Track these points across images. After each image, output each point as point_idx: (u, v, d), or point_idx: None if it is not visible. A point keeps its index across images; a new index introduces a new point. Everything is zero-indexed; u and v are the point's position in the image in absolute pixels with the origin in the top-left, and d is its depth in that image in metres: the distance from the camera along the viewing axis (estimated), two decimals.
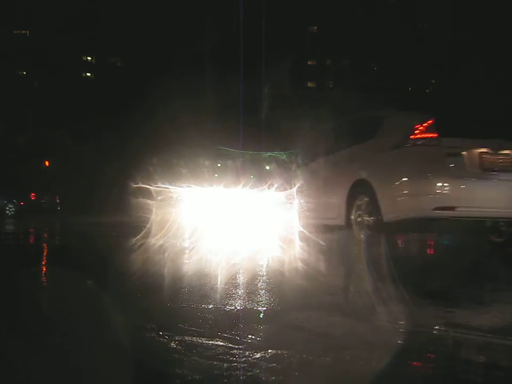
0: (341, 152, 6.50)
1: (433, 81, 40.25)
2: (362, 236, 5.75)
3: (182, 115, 18.27)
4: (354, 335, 2.22)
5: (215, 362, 1.80)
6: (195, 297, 2.97)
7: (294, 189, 6.58)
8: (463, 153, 5.24)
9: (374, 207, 5.57)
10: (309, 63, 46.64)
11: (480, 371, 1.86)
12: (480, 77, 23.85)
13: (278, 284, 3.49)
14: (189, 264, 4.24)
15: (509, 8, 24.54)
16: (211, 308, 2.67)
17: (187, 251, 4.97)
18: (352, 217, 5.93)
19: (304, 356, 1.90)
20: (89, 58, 41.98)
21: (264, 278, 3.70)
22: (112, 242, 8.01)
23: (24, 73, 38.67)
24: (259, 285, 3.40)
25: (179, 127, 17.53)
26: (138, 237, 6.45)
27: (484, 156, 5.31)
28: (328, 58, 45.86)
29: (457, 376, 1.79)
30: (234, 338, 2.10)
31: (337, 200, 6.17)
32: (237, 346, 1.98)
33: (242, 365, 1.79)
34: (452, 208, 5.10)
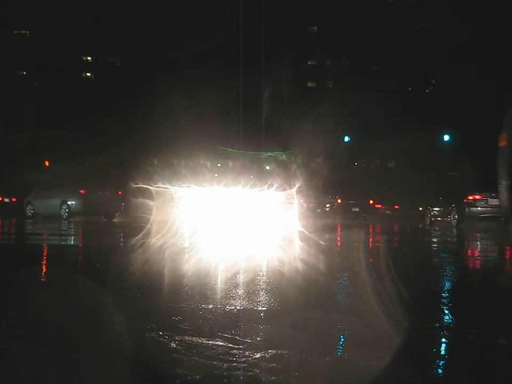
0: None
1: (433, 81, 40.27)
2: None
3: (182, 115, 18.26)
4: (354, 335, 2.22)
5: (215, 362, 1.80)
6: (195, 297, 2.97)
7: (294, 189, 6.64)
8: None
9: None
10: (309, 63, 46.62)
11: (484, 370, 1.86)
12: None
13: (278, 283, 3.49)
14: (189, 264, 4.24)
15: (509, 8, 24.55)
16: (211, 308, 2.67)
17: (187, 251, 4.97)
18: None
19: (304, 355, 1.90)
20: (89, 58, 41.99)
21: (264, 278, 3.70)
22: (112, 242, 8.01)
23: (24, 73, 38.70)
24: (259, 285, 3.39)
25: (179, 127, 17.52)
26: (138, 237, 6.46)
27: None
28: (328, 58, 45.84)
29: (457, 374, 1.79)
30: (234, 338, 2.10)
31: None
32: (237, 346, 1.98)
33: (242, 365, 1.78)
34: None
